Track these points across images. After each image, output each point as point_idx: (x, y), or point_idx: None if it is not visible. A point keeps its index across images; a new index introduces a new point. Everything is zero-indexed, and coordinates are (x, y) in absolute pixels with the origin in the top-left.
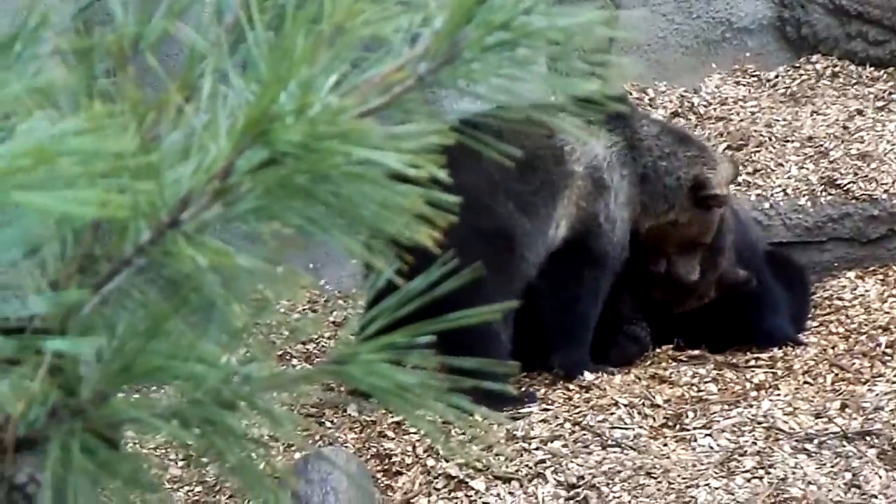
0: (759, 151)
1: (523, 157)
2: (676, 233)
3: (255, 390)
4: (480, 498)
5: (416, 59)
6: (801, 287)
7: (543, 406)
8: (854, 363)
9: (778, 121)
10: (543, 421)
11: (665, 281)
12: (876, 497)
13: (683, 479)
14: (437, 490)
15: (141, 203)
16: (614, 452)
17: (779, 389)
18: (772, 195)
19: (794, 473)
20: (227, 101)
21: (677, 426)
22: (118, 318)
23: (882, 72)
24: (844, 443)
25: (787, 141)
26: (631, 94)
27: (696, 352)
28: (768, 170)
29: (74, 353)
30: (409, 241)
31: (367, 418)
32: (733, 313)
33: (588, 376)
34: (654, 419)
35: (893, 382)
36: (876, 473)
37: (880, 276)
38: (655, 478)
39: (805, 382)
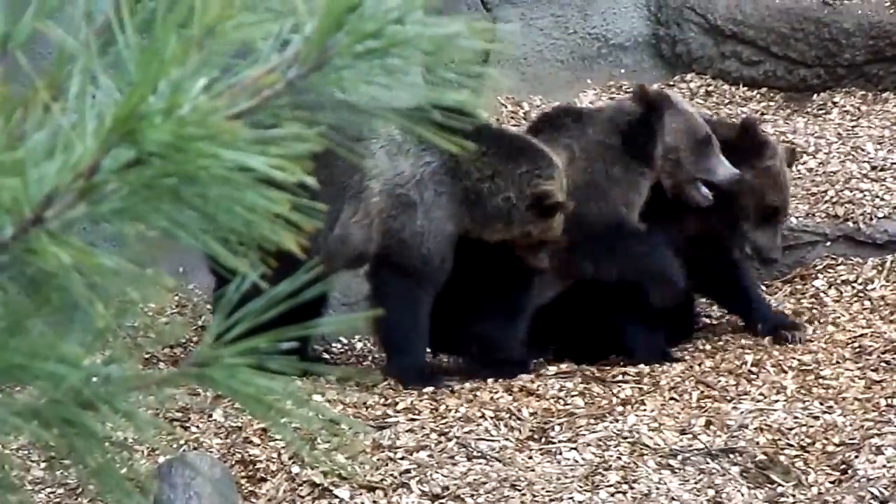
0: None
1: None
2: (533, 241)
3: (116, 391)
4: None
5: (285, 63)
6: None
7: (410, 416)
8: (720, 380)
9: None
10: (410, 431)
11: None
12: None
13: (548, 491)
14: (302, 497)
15: (4, 199)
16: (479, 464)
17: (645, 405)
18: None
19: (657, 489)
20: (96, 101)
21: (543, 439)
22: None
23: (755, 91)
24: (708, 459)
25: None
26: (506, 107)
27: (564, 365)
28: None
29: None
30: (274, 245)
31: (233, 424)
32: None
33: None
34: (520, 431)
35: (758, 400)
36: (738, 491)
37: None
38: (520, 490)
39: (671, 398)
